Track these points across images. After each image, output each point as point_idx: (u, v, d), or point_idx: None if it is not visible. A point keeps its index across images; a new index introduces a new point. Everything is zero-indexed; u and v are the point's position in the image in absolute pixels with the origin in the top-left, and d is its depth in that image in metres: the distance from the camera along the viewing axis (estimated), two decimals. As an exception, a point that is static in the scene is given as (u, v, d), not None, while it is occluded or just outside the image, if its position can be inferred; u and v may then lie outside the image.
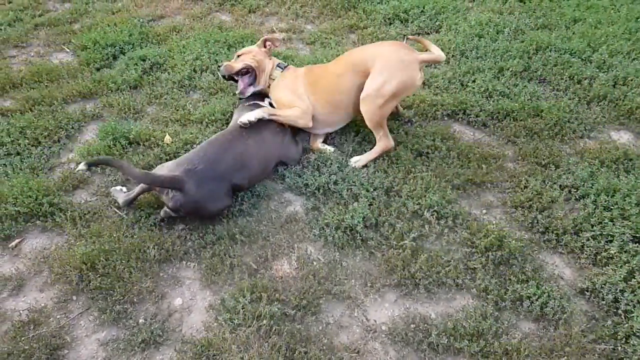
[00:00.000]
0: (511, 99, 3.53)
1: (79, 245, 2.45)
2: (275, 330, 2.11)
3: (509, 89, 3.62)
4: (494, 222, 2.65)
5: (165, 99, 3.61)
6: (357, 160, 3.02)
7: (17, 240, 2.54)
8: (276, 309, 2.17)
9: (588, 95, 3.57)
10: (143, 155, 3.02)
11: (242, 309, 2.17)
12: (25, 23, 4.68)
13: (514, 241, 2.48)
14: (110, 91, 3.69)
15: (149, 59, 3.99)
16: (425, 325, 2.17)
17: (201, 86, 3.73)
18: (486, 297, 2.27)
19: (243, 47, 4.12)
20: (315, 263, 2.42)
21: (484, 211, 2.75)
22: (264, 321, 2.13)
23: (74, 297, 2.28)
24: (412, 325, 2.18)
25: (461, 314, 2.21)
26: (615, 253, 2.42)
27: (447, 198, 2.74)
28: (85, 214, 2.66)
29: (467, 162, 3.03)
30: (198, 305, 2.28)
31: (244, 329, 2.12)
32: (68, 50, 4.28)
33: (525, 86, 3.66)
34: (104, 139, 3.14)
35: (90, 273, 2.33)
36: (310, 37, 4.42)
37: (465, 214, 2.67)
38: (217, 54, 4.05)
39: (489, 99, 3.55)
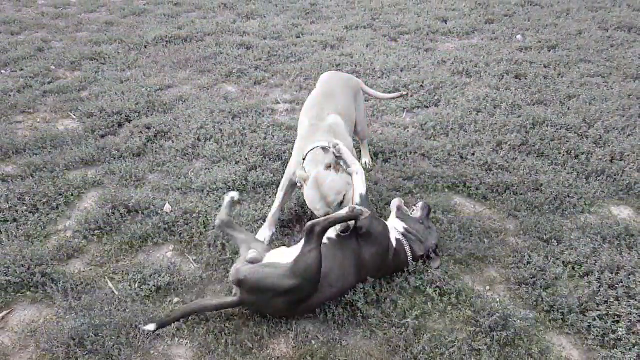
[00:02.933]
0: (510, 173, 3.56)
1: (69, 319, 2.36)
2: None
3: (508, 162, 3.67)
4: (498, 299, 2.57)
5: (168, 167, 3.63)
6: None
7: (4, 312, 2.45)
8: (271, 394, 2.05)
9: (586, 170, 3.60)
10: (141, 224, 2.98)
11: (236, 392, 2.05)
12: (35, 90, 4.81)
13: (519, 321, 2.39)
14: (113, 158, 3.72)
15: (154, 127, 4.07)
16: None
17: (204, 155, 3.77)
18: (493, 383, 2.16)
19: (247, 117, 4.21)
20: (313, 342, 2.32)
21: (488, 287, 2.68)
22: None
23: (59, 377, 2.15)
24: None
25: (467, 401, 2.09)
26: (623, 334, 2.33)
27: (450, 273, 2.69)
28: (77, 285, 2.59)
29: (469, 235, 2.99)
30: (189, 387, 2.16)
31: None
32: (74, 117, 4.37)
33: (524, 160, 3.70)
34: (103, 206, 3.12)
35: (78, 350, 2.22)
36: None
37: (468, 291, 2.60)
38: (221, 124, 4.13)
39: (488, 172, 3.58)
